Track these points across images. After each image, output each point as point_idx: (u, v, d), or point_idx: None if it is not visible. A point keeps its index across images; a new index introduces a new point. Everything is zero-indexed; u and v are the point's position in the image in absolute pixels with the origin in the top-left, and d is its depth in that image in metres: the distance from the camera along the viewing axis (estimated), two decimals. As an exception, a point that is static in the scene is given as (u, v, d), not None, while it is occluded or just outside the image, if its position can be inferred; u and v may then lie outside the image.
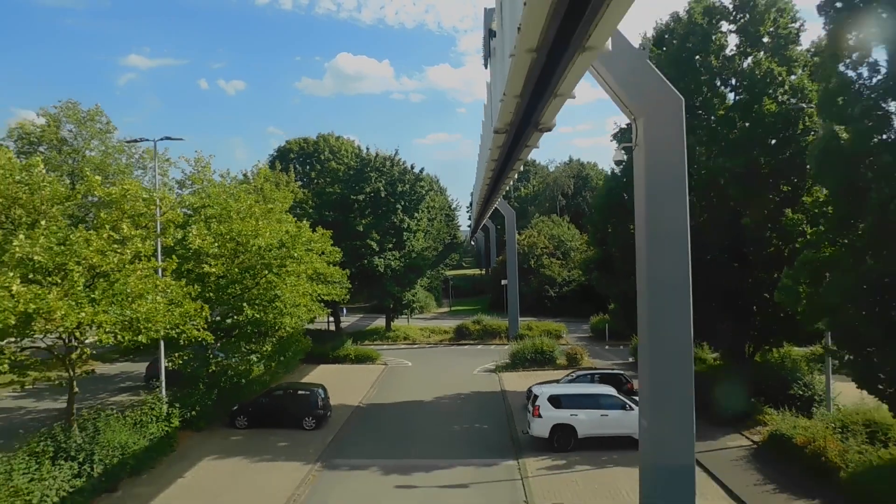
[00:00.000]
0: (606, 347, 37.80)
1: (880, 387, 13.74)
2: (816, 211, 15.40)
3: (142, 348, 18.00)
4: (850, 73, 13.31)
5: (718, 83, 21.95)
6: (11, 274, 11.21)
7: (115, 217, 15.84)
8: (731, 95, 22.23)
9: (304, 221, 26.84)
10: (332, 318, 42.65)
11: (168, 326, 15.84)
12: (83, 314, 12.78)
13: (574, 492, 15.82)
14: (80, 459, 15.07)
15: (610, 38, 8.02)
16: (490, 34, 11.79)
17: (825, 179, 14.26)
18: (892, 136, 12.78)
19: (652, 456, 11.52)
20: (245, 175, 36.46)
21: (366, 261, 38.53)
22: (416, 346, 40.85)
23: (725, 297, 20.55)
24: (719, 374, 22.58)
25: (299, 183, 42.46)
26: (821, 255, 14.10)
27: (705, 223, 20.86)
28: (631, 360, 31.50)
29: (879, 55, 12.87)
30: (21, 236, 12.25)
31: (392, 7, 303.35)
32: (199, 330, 17.07)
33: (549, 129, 12.28)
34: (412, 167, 43.25)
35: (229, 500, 15.88)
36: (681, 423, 11.06)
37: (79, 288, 13.15)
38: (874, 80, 13.04)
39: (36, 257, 11.98)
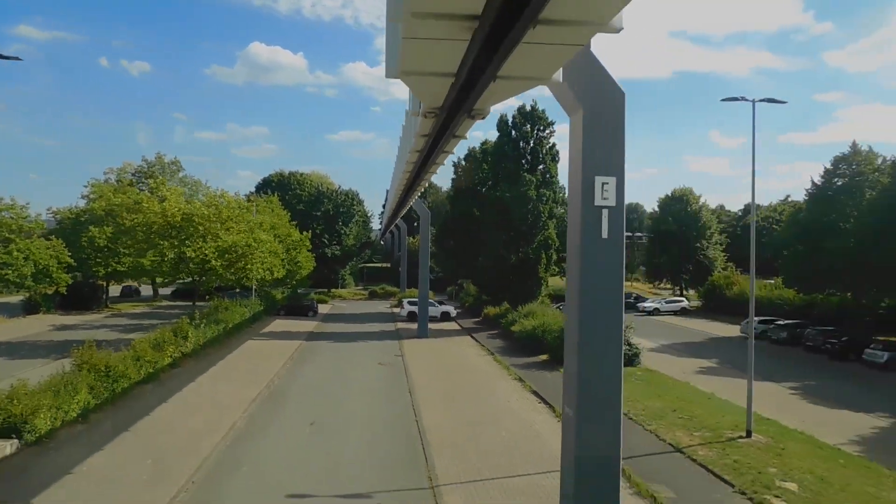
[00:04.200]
0: (451, 300, 72.04)
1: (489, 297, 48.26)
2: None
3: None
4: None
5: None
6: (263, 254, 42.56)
7: (266, 226, 47.53)
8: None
9: (298, 230, 58.87)
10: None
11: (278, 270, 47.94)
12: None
13: (409, 327, 49.14)
14: (245, 308, 47.02)
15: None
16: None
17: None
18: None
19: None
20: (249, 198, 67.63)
21: (320, 250, 70.68)
22: (346, 300, 73.59)
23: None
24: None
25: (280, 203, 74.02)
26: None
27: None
28: (456, 302, 65.83)
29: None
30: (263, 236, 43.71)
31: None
32: (277, 272, 49.22)
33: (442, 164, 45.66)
34: (349, 193, 76.05)
35: (294, 328, 47.90)
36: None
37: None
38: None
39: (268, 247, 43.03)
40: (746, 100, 20.20)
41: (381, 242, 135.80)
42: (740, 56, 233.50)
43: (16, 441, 17.63)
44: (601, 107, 9.32)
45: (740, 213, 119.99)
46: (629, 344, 32.55)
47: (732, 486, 16.22)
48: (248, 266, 36.90)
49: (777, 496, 15.40)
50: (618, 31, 6.71)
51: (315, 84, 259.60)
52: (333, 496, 15.41)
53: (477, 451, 18.99)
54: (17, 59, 17.47)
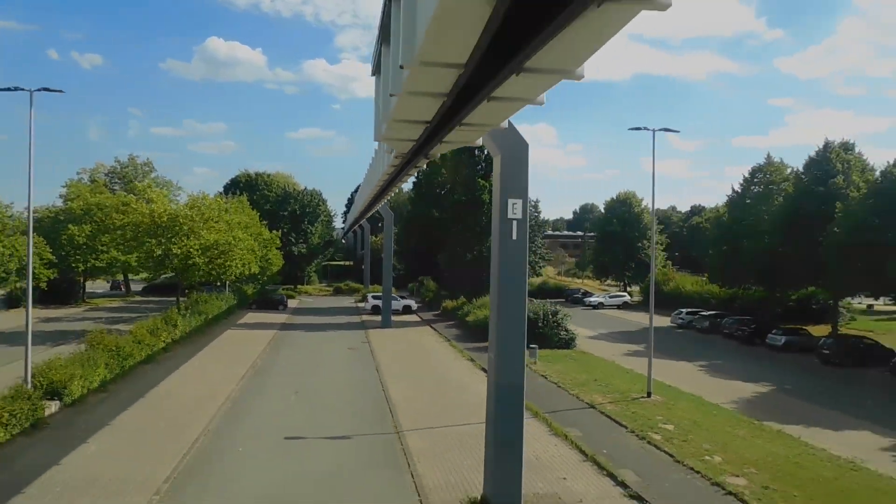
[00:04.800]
0: (412, 295, 76.72)
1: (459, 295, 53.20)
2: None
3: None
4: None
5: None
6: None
7: (242, 225, 51.41)
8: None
9: (267, 228, 62.77)
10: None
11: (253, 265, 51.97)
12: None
13: (374, 319, 53.72)
14: (222, 302, 50.90)
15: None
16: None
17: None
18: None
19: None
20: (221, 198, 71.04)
21: (287, 248, 74.52)
22: (312, 296, 77.65)
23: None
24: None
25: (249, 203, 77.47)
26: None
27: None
28: (417, 298, 70.54)
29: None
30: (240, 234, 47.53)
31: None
32: (253, 267, 53.25)
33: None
34: (314, 193, 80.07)
35: (268, 319, 52.00)
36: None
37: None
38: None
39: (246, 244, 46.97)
40: (648, 129, 25.51)
41: (343, 241, 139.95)
42: (698, 60, 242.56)
43: (57, 402, 21.75)
44: (511, 153, 14.16)
45: (687, 214, 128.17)
46: (566, 330, 37.91)
47: (626, 427, 21.47)
48: (228, 263, 40.97)
49: (656, 433, 20.66)
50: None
51: (275, 81, 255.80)
52: (322, 438, 20.07)
53: (433, 410, 23.83)
54: (59, 91, 21.57)
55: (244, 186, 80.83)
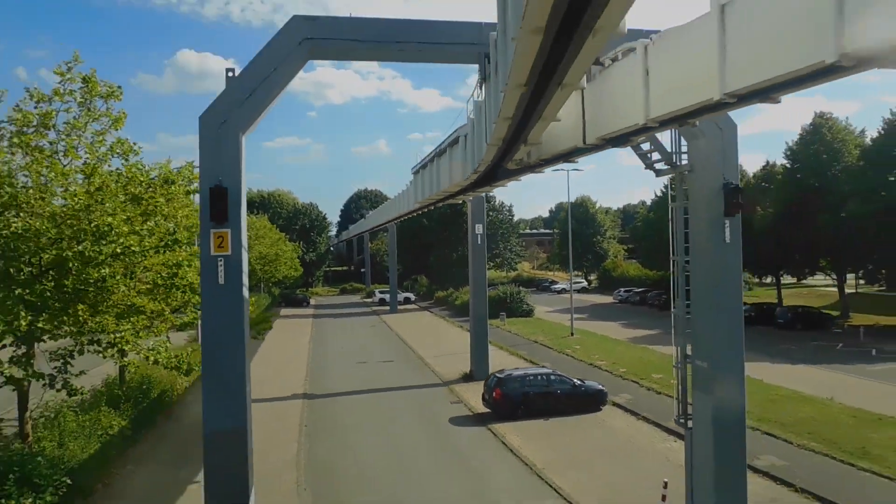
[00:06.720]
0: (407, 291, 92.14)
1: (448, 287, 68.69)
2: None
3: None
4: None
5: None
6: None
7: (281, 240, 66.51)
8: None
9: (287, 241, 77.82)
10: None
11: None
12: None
13: (382, 309, 69.02)
14: (265, 299, 65.99)
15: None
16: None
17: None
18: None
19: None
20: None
21: (300, 257, 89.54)
22: (323, 296, 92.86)
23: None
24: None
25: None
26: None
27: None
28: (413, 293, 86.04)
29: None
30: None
31: (238, 4, 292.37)
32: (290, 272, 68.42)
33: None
34: (317, 209, 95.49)
35: (301, 313, 67.03)
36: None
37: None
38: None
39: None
40: (563, 169, 41.22)
41: (331, 248, 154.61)
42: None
43: (216, 352, 36.97)
44: (475, 202, 29.74)
45: (648, 208, 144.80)
46: (527, 304, 53.76)
47: (552, 349, 37.22)
48: (277, 268, 56.06)
49: (569, 349, 36.39)
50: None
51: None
52: (377, 362, 35.57)
53: (438, 349, 39.32)
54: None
55: (259, 206, 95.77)
